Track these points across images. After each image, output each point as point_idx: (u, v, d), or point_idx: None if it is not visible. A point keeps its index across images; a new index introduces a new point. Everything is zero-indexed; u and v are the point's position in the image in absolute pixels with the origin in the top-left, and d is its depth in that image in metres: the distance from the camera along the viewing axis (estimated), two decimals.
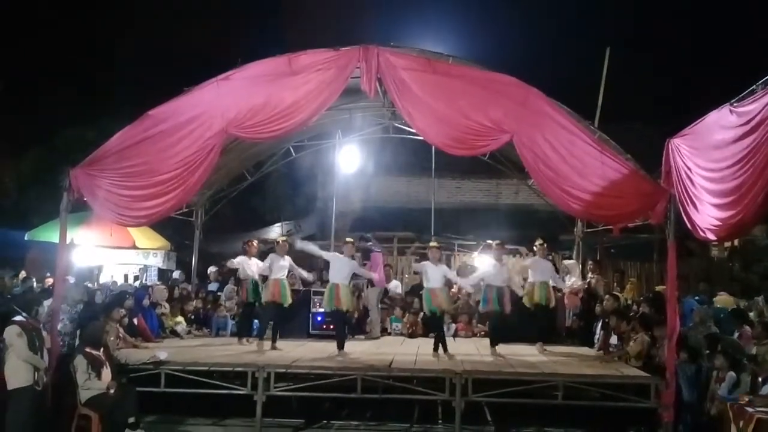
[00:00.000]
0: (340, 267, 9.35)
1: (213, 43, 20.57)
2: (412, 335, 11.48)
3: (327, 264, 9.72)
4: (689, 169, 7.59)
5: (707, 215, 7.17)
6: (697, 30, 22.92)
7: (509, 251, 15.17)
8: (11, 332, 6.65)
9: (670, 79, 22.92)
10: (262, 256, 10.38)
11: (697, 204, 7.37)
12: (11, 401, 6.63)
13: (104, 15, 23.85)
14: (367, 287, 11.57)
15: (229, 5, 26.12)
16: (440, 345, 9.22)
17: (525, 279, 10.53)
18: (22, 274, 12.20)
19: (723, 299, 10.77)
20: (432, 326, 9.98)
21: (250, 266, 10.34)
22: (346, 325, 9.87)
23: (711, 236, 7.36)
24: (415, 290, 11.71)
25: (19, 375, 6.63)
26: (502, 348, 9.62)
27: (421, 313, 10.93)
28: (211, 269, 13.58)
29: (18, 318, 6.80)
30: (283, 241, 10.28)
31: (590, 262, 12.15)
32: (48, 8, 22.86)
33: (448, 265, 15.21)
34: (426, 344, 9.68)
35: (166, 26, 22.58)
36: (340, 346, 9.19)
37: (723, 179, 6.89)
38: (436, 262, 9.51)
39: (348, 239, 9.96)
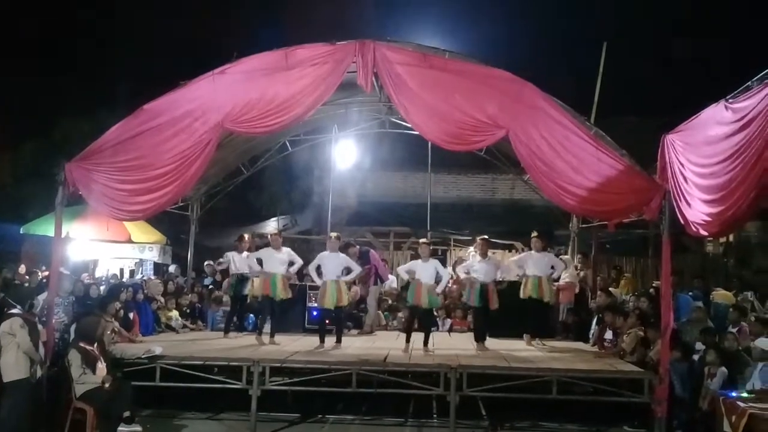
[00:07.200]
0: (329, 264, 9.37)
1: (209, 36, 20.51)
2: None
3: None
4: (682, 164, 7.59)
5: (698, 210, 7.18)
6: (695, 24, 22.90)
7: (502, 246, 15.26)
8: (15, 323, 6.76)
9: (667, 73, 22.90)
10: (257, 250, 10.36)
11: (688, 199, 7.37)
12: (7, 393, 6.71)
13: (102, 6, 23.79)
14: (370, 285, 11.41)
15: None
16: (428, 339, 9.21)
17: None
18: (22, 268, 12.14)
19: (722, 294, 10.81)
20: (418, 320, 9.70)
21: (235, 262, 10.49)
22: (332, 320, 9.72)
23: (702, 231, 7.37)
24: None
25: (16, 367, 6.72)
26: (495, 343, 9.64)
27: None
28: (207, 264, 13.58)
29: (15, 311, 6.92)
30: (274, 235, 10.24)
31: (578, 256, 12.14)
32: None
33: (444, 261, 15.23)
34: (421, 339, 9.68)
35: (164, 19, 22.52)
36: (321, 340, 9.30)
37: (713, 174, 6.89)
38: (426, 259, 9.42)
39: (331, 234, 9.91)
